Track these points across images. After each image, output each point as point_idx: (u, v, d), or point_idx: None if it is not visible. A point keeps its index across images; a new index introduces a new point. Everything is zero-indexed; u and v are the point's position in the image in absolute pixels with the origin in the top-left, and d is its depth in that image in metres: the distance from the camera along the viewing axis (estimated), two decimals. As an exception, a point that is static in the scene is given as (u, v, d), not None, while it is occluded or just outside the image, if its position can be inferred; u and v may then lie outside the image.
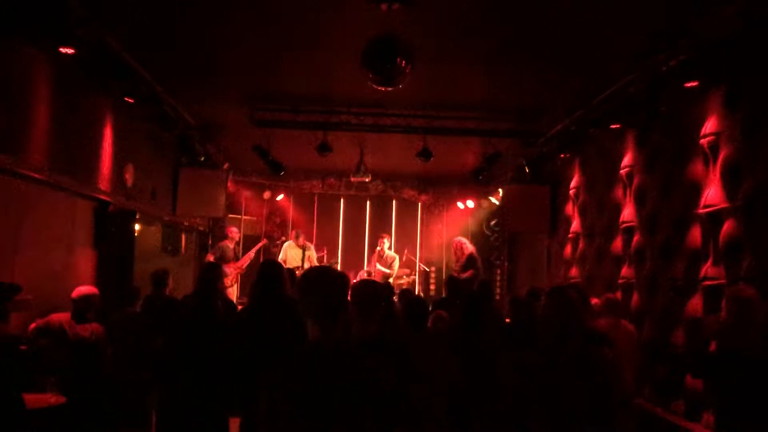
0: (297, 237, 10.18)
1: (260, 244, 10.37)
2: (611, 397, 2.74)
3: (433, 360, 3.22)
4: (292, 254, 10.07)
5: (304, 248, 10.12)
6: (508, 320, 5.65)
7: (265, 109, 7.11)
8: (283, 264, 9.64)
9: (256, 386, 2.04)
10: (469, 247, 9.08)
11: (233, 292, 9.45)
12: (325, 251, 10.70)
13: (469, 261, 8.83)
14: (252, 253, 9.95)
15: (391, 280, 9.83)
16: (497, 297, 10.32)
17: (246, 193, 11.18)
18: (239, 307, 5.80)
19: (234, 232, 9.69)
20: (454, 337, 4.37)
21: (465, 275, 8.52)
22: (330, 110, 7.10)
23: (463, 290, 6.52)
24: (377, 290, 3.28)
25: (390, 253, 10.12)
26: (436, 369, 3.15)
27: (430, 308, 7.38)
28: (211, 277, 4.61)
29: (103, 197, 6.31)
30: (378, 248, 10.11)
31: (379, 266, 9.91)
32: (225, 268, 8.39)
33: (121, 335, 5.02)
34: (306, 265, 9.71)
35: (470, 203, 11.36)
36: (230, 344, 3.93)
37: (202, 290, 4.36)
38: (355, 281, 3.33)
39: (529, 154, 8.16)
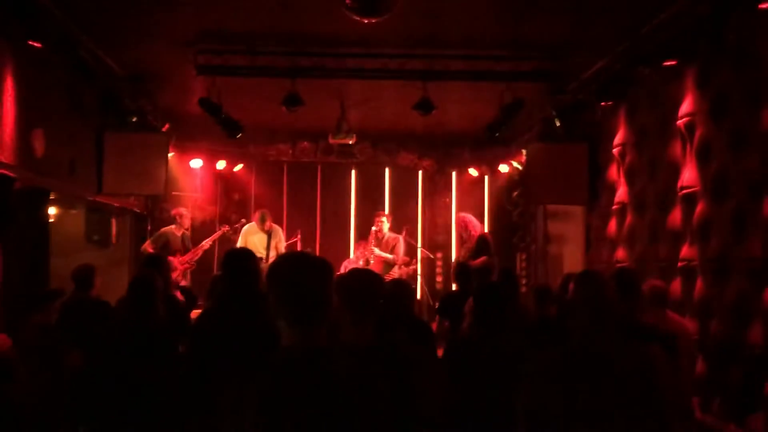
0: (262, 219, 10.13)
1: (219, 233, 10.33)
2: (664, 409, 2.79)
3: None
4: (253, 241, 10.03)
5: (269, 233, 10.12)
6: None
7: (213, 51, 7.05)
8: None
9: (217, 411, 2.06)
10: (477, 226, 9.30)
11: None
12: (299, 236, 10.70)
13: (480, 244, 8.93)
14: (207, 244, 9.90)
15: (396, 268, 9.93)
16: (522, 289, 10.38)
17: (194, 164, 11.12)
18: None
19: (183, 216, 9.62)
20: (469, 341, 4.41)
21: (476, 263, 8.59)
22: (299, 51, 7.05)
23: (478, 281, 6.56)
24: (373, 283, 3.29)
25: (391, 235, 10.18)
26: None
27: (437, 306, 7.50)
28: (148, 275, 4.60)
29: (4, 172, 6.28)
30: (374, 229, 10.15)
31: (377, 251, 9.98)
32: (171, 261, 8.38)
33: (25, 351, 5.00)
34: (272, 255, 9.72)
35: (486, 169, 11.37)
36: (173, 367, 3.94)
37: (135, 295, 4.36)
38: (342, 272, 3.34)
39: (560, 103, 8.16)
